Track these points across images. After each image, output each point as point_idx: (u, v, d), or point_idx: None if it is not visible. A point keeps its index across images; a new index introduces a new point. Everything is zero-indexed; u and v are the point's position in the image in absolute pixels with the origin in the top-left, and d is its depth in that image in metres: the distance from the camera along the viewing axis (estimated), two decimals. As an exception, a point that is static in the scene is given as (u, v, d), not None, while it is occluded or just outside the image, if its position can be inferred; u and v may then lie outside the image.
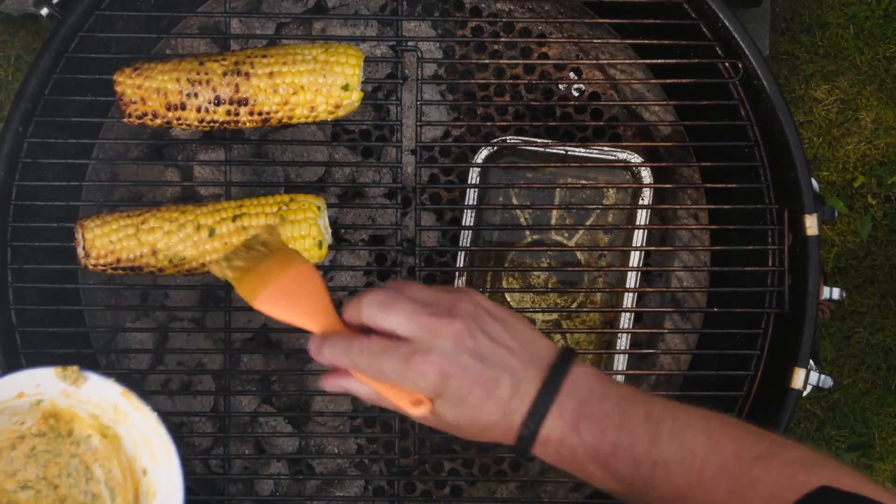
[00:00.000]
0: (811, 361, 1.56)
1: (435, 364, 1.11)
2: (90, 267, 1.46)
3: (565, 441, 1.12)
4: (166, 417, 1.41)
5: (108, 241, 1.45)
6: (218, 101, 1.45)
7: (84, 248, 1.45)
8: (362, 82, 1.47)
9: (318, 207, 1.48)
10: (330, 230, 1.51)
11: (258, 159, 1.72)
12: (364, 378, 1.16)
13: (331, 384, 1.19)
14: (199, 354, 1.70)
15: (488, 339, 1.13)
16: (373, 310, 1.14)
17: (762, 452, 1.08)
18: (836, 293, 1.62)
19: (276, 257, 1.25)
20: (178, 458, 1.37)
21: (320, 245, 1.47)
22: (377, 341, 1.13)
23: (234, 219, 1.46)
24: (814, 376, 1.56)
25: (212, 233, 1.46)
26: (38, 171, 1.56)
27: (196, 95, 1.45)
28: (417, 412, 1.14)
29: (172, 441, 1.37)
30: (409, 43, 1.65)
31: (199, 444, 1.68)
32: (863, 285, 2.38)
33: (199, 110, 1.45)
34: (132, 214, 1.47)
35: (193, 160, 1.69)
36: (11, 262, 1.54)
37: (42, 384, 1.38)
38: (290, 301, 1.19)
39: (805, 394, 1.55)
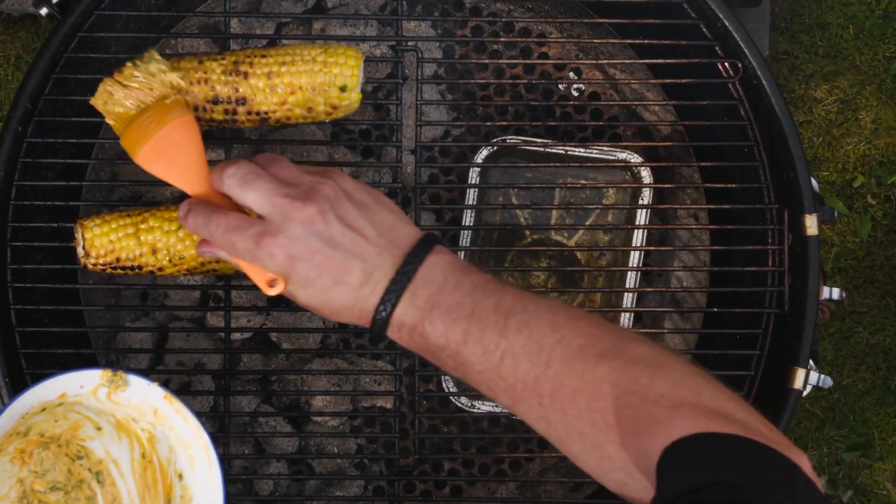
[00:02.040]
0: (811, 361, 1.56)
1: (283, 247, 1.13)
2: (90, 266, 1.46)
3: (417, 328, 1.13)
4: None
5: (107, 241, 1.45)
6: (216, 101, 1.45)
7: (84, 248, 1.45)
8: (362, 83, 1.47)
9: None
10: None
11: (258, 159, 1.72)
12: (222, 252, 1.20)
13: (201, 250, 1.24)
14: (198, 354, 1.70)
15: (342, 225, 1.14)
16: (232, 184, 1.17)
17: (606, 349, 1.08)
18: (835, 293, 1.62)
19: (155, 107, 1.26)
20: (219, 466, 1.35)
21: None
22: (234, 218, 1.16)
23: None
24: (814, 376, 1.56)
25: (211, 232, 1.45)
26: (37, 171, 1.56)
27: (194, 94, 1.44)
28: (271, 291, 1.16)
29: (214, 448, 1.35)
30: (409, 43, 1.65)
31: (199, 444, 1.68)
32: (862, 285, 2.38)
33: (196, 109, 1.45)
34: (132, 214, 1.46)
35: (193, 160, 1.69)
36: (11, 262, 1.53)
37: (86, 386, 1.36)
38: (166, 159, 1.23)
39: (805, 394, 1.55)
